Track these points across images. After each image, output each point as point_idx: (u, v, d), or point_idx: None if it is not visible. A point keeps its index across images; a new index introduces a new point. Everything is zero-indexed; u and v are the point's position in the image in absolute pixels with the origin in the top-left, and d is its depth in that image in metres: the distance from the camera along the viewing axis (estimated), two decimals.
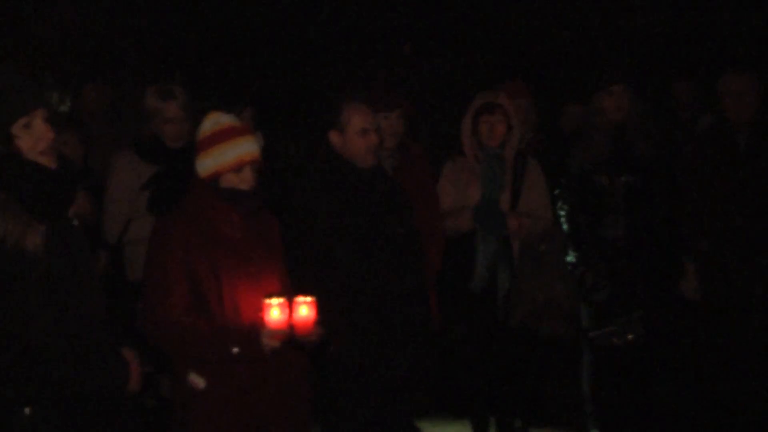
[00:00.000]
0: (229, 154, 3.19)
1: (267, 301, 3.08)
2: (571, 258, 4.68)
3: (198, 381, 3.14)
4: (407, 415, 3.96)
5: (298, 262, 3.58)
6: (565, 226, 4.73)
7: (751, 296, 4.55)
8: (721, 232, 4.62)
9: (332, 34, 8.45)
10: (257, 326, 3.08)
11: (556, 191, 4.78)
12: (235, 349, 3.08)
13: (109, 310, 2.77)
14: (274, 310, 3.06)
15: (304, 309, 3.10)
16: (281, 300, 3.07)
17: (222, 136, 3.22)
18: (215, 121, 3.27)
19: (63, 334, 2.48)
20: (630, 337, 4.59)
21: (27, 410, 2.43)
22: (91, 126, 5.44)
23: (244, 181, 3.23)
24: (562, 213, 4.76)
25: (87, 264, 2.69)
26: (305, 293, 3.13)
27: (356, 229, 3.77)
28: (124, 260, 4.40)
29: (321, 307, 3.13)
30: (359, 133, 3.83)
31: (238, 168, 3.21)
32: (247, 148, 3.23)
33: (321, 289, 3.32)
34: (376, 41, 8.59)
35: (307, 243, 3.72)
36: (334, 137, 3.88)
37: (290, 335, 3.09)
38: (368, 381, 3.73)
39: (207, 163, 3.21)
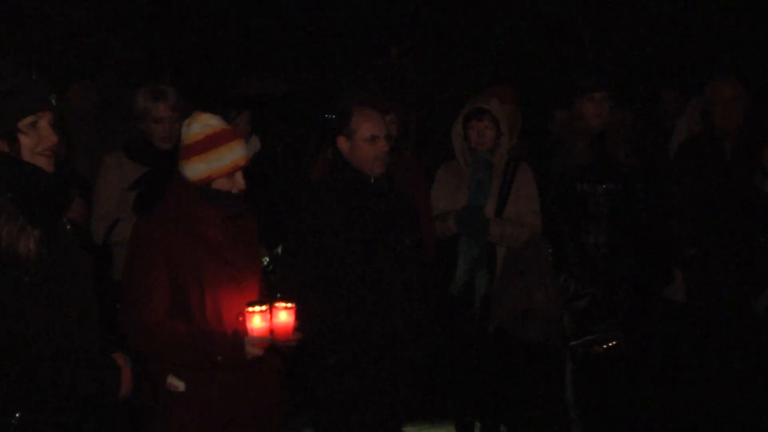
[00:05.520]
0: (225, 159, 3.10)
1: (249, 309, 3.04)
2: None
3: (177, 384, 3.12)
4: (400, 420, 3.94)
5: (302, 270, 3.56)
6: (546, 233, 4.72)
7: (738, 301, 4.58)
8: (708, 238, 4.65)
9: (321, 37, 8.45)
10: (239, 334, 3.05)
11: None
12: (219, 358, 3.04)
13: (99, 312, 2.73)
14: (256, 318, 3.03)
15: (284, 315, 3.08)
16: (263, 308, 3.04)
17: (216, 141, 3.11)
18: (205, 123, 3.15)
19: (57, 339, 2.46)
20: (610, 344, 4.60)
21: (17, 415, 2.40)
22: (76, 126, 5.39)
23: (236, 185, 3.17)
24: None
25: (81, 269, 2.65)
26: (306, 300, 3.11)
27: (362, 238, 3.68)
28: (111, 260, 4.37)
29: (323, 315, 3.10)
30: (368, 141, 3.72)
31: (232, 173, 3.14)
32: (241, 152, 3.15)
33: (324, 296, 3.29)
34: (363, 44, 8.59)
35: (312, 251, 3.65)
36: (341, 143, 3.78)
37: (272, 342, 3.07)
38: (367, 388, 3.69)
39: (200, 168, 3.10)
